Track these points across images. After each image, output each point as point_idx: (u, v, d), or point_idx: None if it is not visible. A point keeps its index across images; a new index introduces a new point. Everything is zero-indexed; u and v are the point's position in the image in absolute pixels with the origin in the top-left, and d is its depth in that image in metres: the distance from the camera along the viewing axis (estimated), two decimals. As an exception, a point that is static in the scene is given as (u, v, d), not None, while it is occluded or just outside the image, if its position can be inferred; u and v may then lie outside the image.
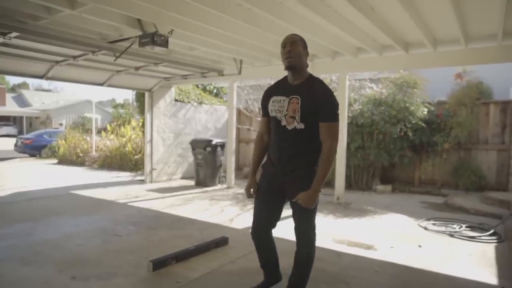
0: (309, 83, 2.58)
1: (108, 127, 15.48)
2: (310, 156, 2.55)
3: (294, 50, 2.53)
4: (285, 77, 2.69)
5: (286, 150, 2.59)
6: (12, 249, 4.07)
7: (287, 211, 2.77)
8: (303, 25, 5.00)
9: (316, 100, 2.48)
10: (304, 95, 2.51)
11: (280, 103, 2.59)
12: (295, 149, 2.56)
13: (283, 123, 2.56)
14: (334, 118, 2.52)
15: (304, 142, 2.55)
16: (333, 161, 2.52)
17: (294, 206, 2.62)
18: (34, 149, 16.59)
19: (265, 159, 2.83)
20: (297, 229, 2.68)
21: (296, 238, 2.70)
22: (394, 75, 8.94)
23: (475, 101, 8.18)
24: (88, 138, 15.23)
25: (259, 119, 2.96)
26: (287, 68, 2.57)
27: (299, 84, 2.58)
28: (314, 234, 2.71)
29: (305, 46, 2.61)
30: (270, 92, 2.72)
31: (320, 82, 2.60)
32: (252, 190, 2.79)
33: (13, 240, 4.40)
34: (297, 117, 2.50)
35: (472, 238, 4.78)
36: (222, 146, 8.93)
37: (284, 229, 3.18)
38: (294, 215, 2.67)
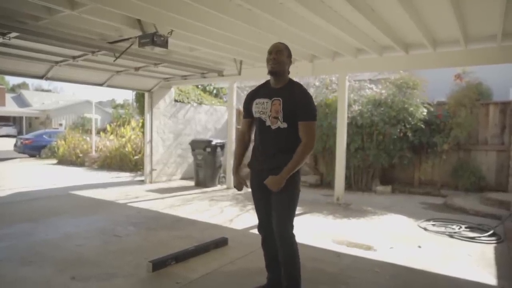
0: (290, 86, 2.79)
1: (108, 128, 15.49)
2: (292, 154, 2.67)
3: (278, 58, 2.74)
4: (267, 82, 2.90)
5: (270, 148, 2.77)
6: (12, 250, 4.07)
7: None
8: (303, 26, 5.01)
9: (296, 102, 2.68)
10: (285, 97, 2.71)
11: (263, 105, 2.78)
12: (279, 147, 2.73)
13: (268, 123, 2.74)
14: (311, 117, 2.70)
15: (287, 140, 2.71)
16: (306, 156, 2.69)
17: (274, 202, 2.74)
18: (34, 150, 16.58)
19: (248, 158, 3.00)
20: (277, 225, 2.74)
21: (276, 236, 2.74)
22: (394, 76, 8.95)
23: (475, 102, 8.18)
24: (88, 139, 15.23)
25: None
26: (270, 73, 2.78)
27: (281, 88, 2.78)
28: (292, 228, 2.76)
29: (289, 54, 2.83)
30: (253, 95, 2.91)
31: (299, 86, 2.82)
32: (241, 185, 2.94)
33: (13, 240, 4.40)
34: (280, 117, 2.69)
35: (471, 238, 4.78)
36: (222, 146, 8.93)
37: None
38: (274, 211, 2.75)
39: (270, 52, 2.78)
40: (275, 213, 2.74)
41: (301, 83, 3.04)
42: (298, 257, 2.77)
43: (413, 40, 5.75)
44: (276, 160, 2.71)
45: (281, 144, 2.72)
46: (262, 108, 2.77)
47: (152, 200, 7.08)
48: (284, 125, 2.68)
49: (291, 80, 2.84)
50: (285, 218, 2.74)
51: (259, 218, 2.97)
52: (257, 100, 2.82)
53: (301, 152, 2.65)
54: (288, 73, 2.85)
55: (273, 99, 2.73)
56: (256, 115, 2.81)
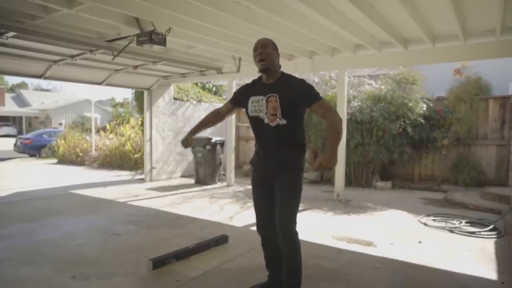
0: (283, 80, 2.73)
1: (108, 126, 15.48)
2: (294, 149, 2.70)
3: (264, 52, 2.68)
4: (259, 78, 2.86)
5: (272, 146, 2.73)
6: (12, 249, 4.07)
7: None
8: (302, 22, 4.99)
9: (293, 92, 2.62)
10: (281, 92, 2.64)
11: (258, 103, 2.72)
12: (280, 144, 2.70)
13: (266, 121, 2.69)
14: (318, 97, 2.63)
15: (287, 136, 2.68)
16: (340, 128, 2.57)
17: (278, 198, 2.70)
18: (34, 149, 16.58)
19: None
20: (280, 223, 2.68)
21: (279, 234, 2.69)
22: (393, 72, 8.94)
23: (474, 96, 8.17)
24: (88, 138, 15.22)
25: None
26: (261, 71, 2.71)
27: (274, 83, 2.72)
28: (295, 225, 2.71)
29: (275, 48, 2.77)
30: (248, 91, 2.85)
31: (293, 78, 2.75)
32: (188, 141, 3.04)
33: (13, 240, 4.40)
34: (278, 114, 2.63)
35: (472, 233, 4.78)
36: (222, 144, 8.93)
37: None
38: (277, 208, 2.70)
39: (255, 49, 2.72)
40: (279, 210, 2.69)
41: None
42: (300, 254, 2.73)
43: (412, 36, 5.74)
44: (277, 157, 2.69)
45: (283, 141, 2.67)
46: (258, 106, 2.70)
47: (152, 198, 7.09)
48: (283, 121, 2.63)
49: (283, 73, 2.77)
50: (289, 215, 2.69)
51: (258, 217, 2.90)
52: (252, 98, 2.76)
53: (332, 127, 2.54)
54: (280, 67, 2.78)
55: (268, 95, 2.66)
56: (252, 114, 2.75)
